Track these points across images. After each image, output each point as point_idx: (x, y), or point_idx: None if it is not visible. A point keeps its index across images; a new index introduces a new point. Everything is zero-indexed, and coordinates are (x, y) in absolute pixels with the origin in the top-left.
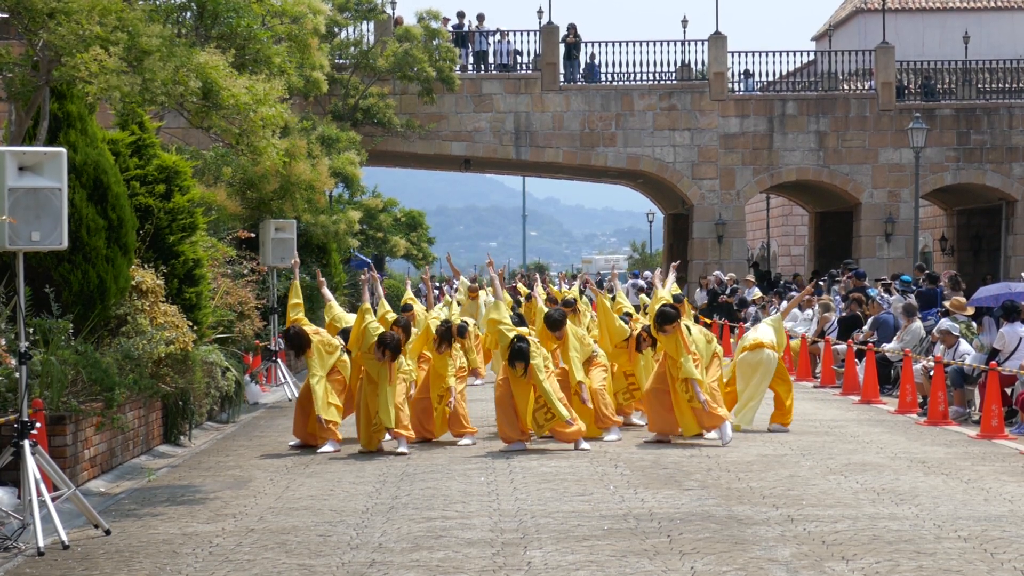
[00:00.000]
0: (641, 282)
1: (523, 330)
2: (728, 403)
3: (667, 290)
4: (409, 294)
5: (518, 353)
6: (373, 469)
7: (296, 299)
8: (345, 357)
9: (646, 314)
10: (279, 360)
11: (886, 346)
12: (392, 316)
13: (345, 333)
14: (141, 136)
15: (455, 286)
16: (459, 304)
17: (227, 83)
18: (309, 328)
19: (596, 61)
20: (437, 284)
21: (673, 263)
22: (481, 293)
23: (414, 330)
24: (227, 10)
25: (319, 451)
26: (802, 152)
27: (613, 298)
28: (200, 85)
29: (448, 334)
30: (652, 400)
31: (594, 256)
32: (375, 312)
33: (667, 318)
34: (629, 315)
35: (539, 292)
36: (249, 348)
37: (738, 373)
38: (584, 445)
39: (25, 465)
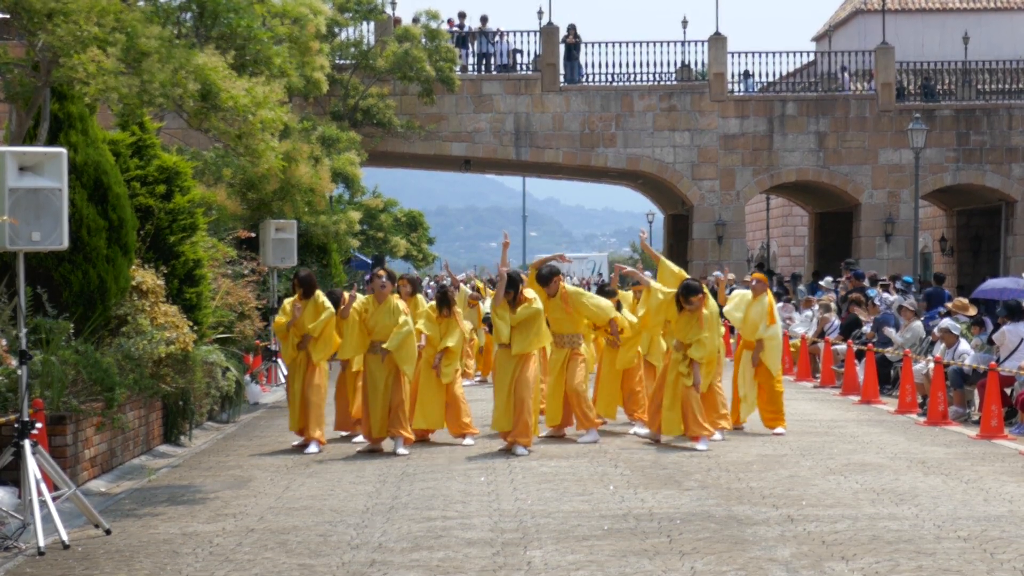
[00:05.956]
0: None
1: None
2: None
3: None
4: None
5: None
6: (373, 469)
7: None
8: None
9: None
10: (279, 360)
11: (888, 330)
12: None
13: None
14: (142, 137)
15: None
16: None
17: (226, 85)
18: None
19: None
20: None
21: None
22: (480, 304)
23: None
24: (227, 10)
25: (305, 452)
26: (802, 153)
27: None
28: (199, 87)
29: (445, 299)
30: (654, 398)
31: (594, 255)
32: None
33: (692, 290)
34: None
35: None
36: (249, 348)
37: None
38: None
39: (25, 465)
